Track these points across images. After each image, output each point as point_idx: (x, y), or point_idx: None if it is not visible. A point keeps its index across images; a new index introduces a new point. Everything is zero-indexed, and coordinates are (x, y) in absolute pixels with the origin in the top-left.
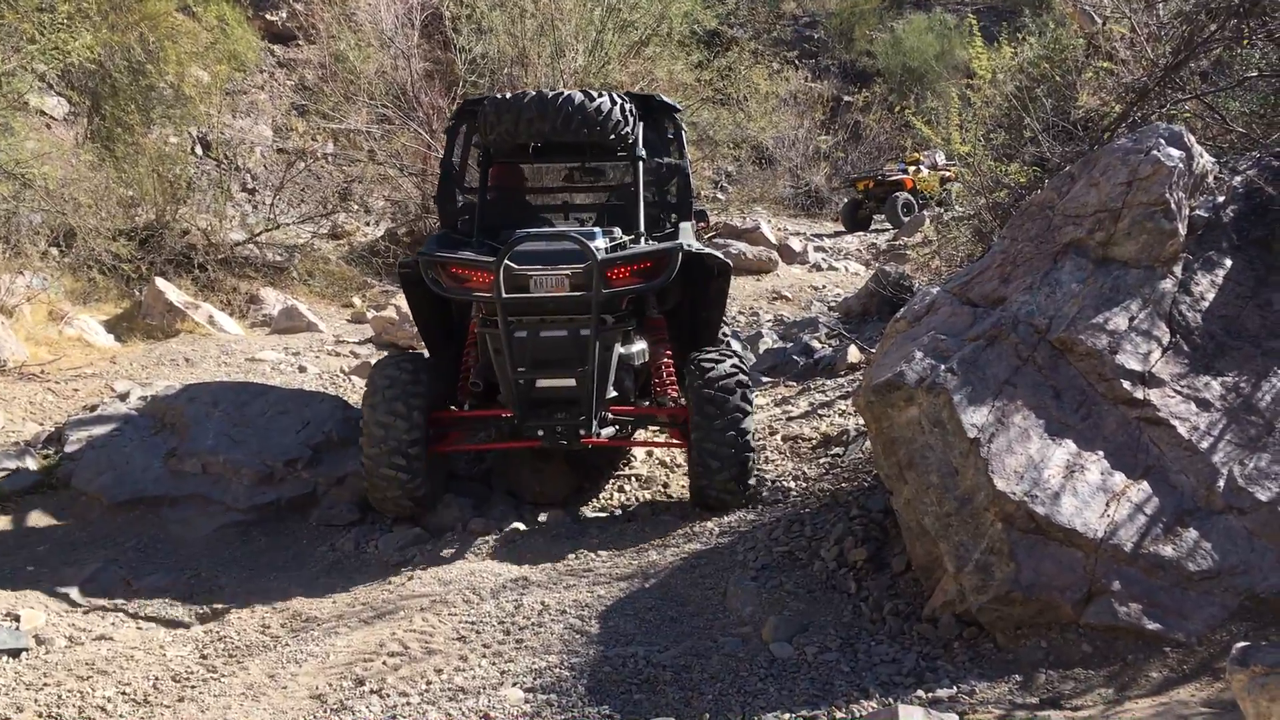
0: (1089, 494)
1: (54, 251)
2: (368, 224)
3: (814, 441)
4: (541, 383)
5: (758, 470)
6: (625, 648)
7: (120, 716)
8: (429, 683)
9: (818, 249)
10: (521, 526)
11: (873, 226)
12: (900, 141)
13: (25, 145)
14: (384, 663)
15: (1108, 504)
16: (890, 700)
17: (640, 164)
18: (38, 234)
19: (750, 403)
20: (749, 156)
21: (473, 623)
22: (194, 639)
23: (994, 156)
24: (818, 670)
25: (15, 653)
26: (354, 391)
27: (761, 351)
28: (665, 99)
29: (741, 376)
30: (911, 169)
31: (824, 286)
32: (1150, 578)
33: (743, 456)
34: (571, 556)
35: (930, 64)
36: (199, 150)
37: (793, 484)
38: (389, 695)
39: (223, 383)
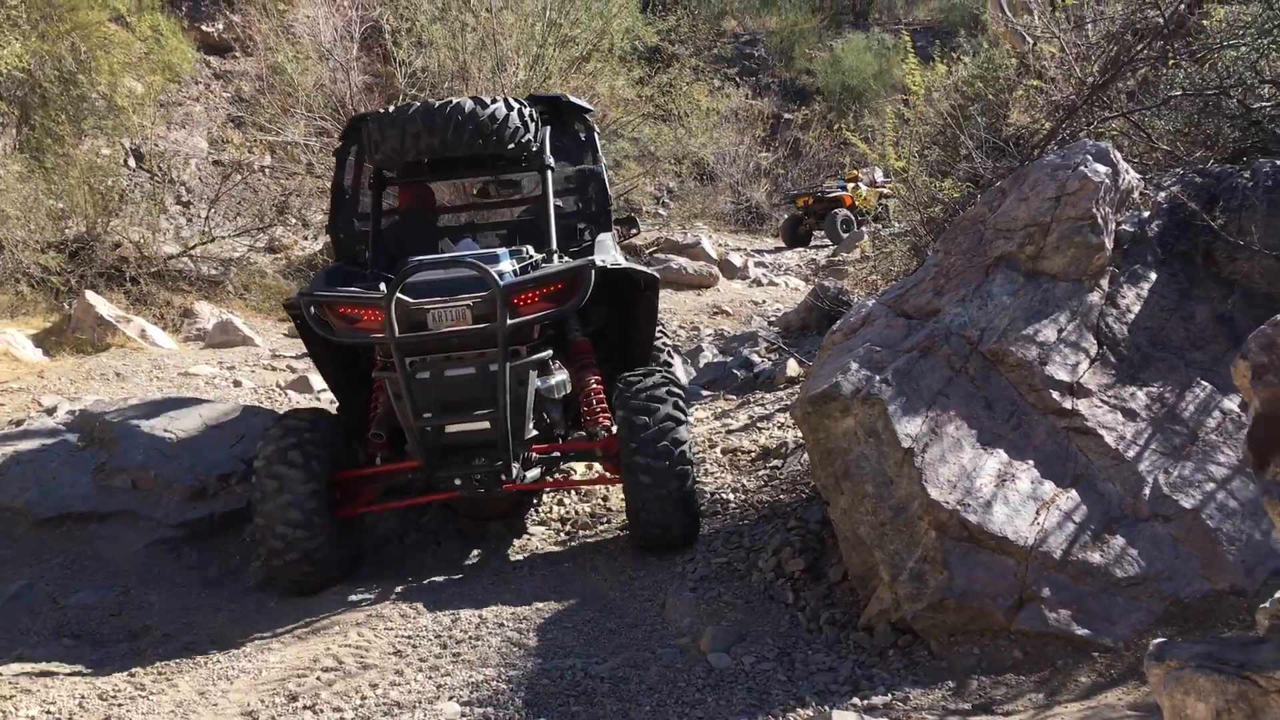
0: (1020, 502)
1: None
2: (305, 237)
3: (753, 454)
4: (451, 428)
5: (697, 483)
6: (563, 660)
7: None
8: (364, 698)
9: (758, 264)
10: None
11: (813, 242)
12: (839, 158)
13: None
14: (318, 678)
15: (1038, 512)
16: (825, 708)
17: (549, 173)
18: None
19: (685, 413)
20: (690, 172)
21: (409, 637)
22: (122, 656)
23: (929, 173)
24: (755, 679)
25: None
26: (288, 406)
27: (702, 365)
28: (574, 100)
29: (673, 388)
30: (850, 186)
31: (764, 301)
32: (1079, 584)
33: (680, 470)
34: (510, 570)
35: (868, 82)
36: (132, 162)
37: (731, 496)
38: (323, 711)
39: (154, 398)
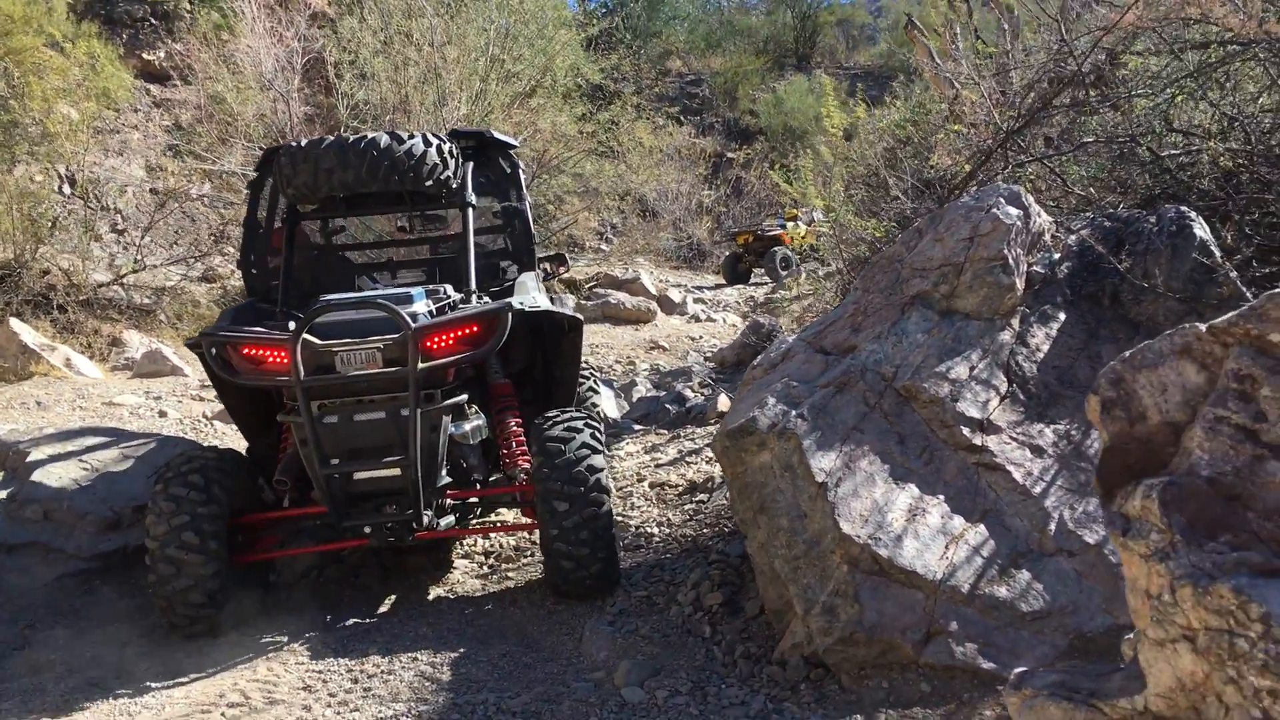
0: (929, 536)
1: None
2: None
3: (680, 488)
4: (360, 475)
5: (621, 516)
6: (476, 694)
7: None
8: None
9: (697, 300)
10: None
11: (753, 280)
12: (779, 198)
13: None
14: (222, 714)
15: (947, 546)
16: None
17: (469, 211)
18: None
19: (601, 444)
20: (634, 209)
21: (319, 672)
22: (19, 692)
23: (855, 212)
24: (667, 713)
25: None
26: (214, 437)
27: (635, 400)
28: (499, 135)
29: (590, 421)
30: (790, 224)
31: (701, 337)
32: (985, 618)
33: (595, 498)
34: (428, 605)
35: (810, 124)
36: (66, 189)
37: (656, 530)
38: None
39: (71, 427)
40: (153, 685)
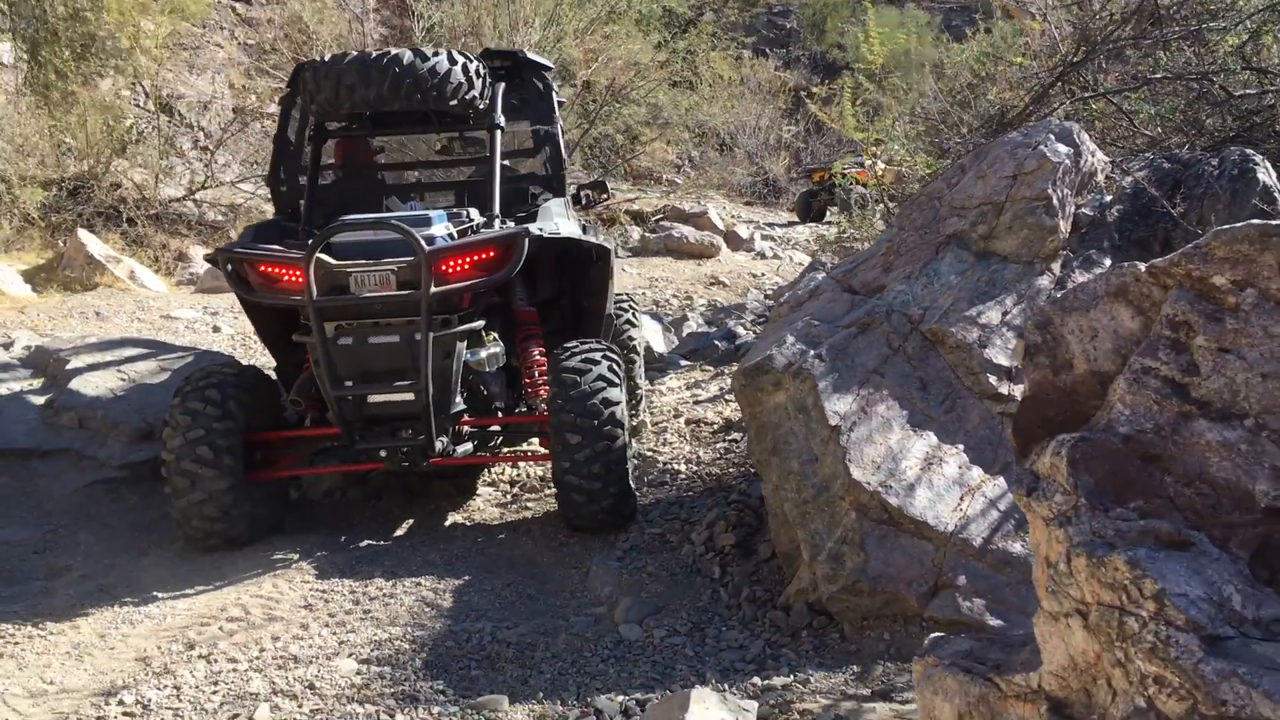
0: (944, 487)
1: None
2: None
3: (715, 426)
4: (374, 398)
5: (651, 451)
6: (473, 623)
7: None
8: (262, 650)
9: (765, 237)
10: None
11: (827, 218)
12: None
13: None
14: (220, 627)
15: (962, 498)
16: (725, 686)
17: (497, 133)
18: None
19: (618, 378)
20: (711, 142)
21: (323, 591)
22: (29, 595)
23: (924, 151)
24: (662, 653)
25: None
26: (261, 354)
27: (685, 335)
28: (533, 56)
29: (609, 353)
30: (868, 162)
31: (764, 274)
32: (997, 574)
33: (609, 431)
34: (443, 531)
35: (900, 59)
36: (151, 105)
37: (683, 467)
38: (216, 660)
39: (113, 337)
40: (159, 595)
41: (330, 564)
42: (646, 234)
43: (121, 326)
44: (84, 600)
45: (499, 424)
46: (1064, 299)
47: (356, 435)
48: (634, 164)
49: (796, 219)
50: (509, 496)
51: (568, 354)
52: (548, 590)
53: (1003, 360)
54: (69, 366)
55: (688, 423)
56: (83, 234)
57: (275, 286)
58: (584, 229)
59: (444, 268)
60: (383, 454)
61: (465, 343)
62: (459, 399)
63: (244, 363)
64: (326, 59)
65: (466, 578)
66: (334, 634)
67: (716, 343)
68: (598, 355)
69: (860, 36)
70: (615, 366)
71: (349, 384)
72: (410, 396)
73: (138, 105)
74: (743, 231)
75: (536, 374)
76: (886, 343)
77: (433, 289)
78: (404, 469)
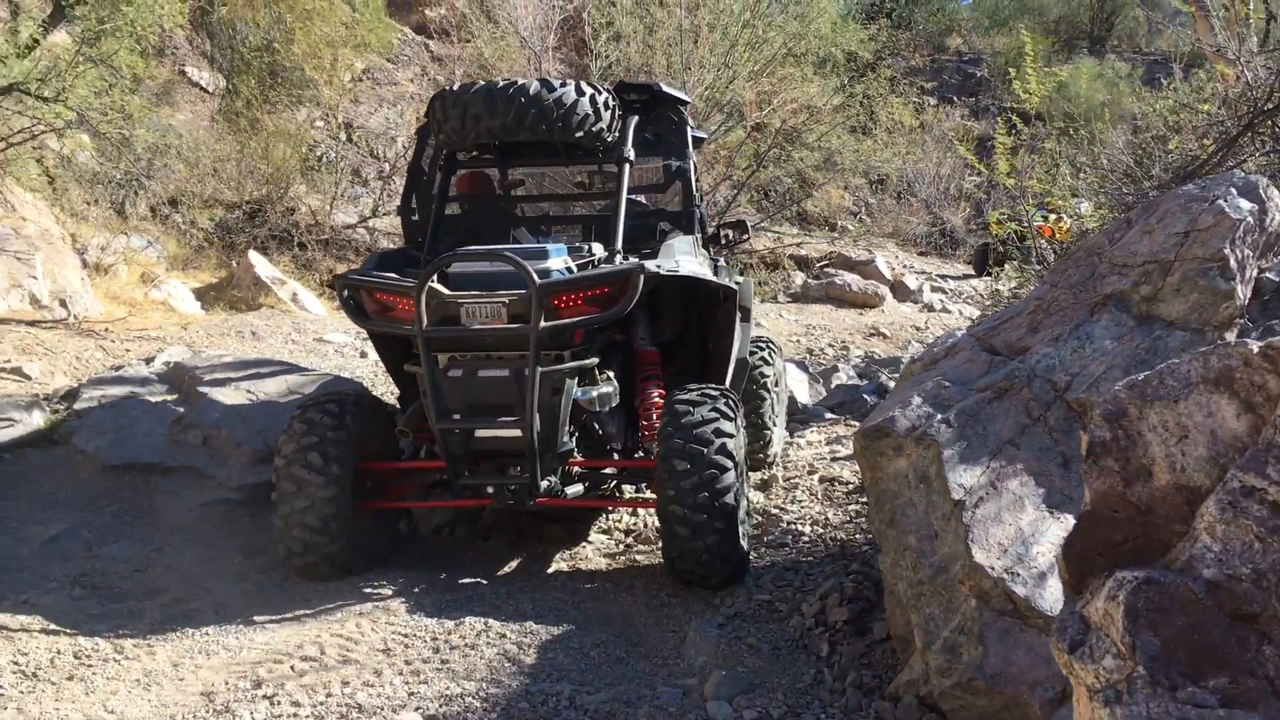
0: None
1: (167, 216)
2: None
3: (850, 486)
4: (480, 432)
5: (778, 509)
6: (553, 684)
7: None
8: (329, 694)
9: (935, 289)
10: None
11: (1004, 270)
12: (1048, 187)
13: (176, 116)
14: (292, 666)
15: None
16: None
17: (626, 167)
18: (138, 196)
19: (733, 457)
20: (890, 189)
21: (405, 635)
22: (119, 615)
23: (1109, 206)
24: None
25: None
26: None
27: (833, 386)
28: (669, 89)
29: (722, 425)
30: (1052, 216)
31: (928, 327)
32: None
33: (721, 525)
34: (544, 579)
35: (1097, 110)
36: (342, 135)
37: (808, 529)
38: (280, 702)
39: (247, 358)
40: (242, 625)
41: (419, 605)
42: (809, 280)
43: (275, 347)
44: (167, 625)
45: (612, 466)
46: (1146, 384)
47: (464, 470)
48: (805, 209)
49: (972, 271)
50: (620, 546)
51: (678, 425)
52: (638, 653)
53: None
54: (201, 385)
55: (821, 480)
56: (253, 255)
57: (389, 315)
58: (715, 269)
59: (556, 302)
60: (489, 490)
61: (576, 380)
62: (568, 438)
63: (379, 391)
64: (454, 89)
65: (555, 632)
66: (406, 684)
67: (865, 396)
68: (714, 392)
69: (1012, 73)
70: (732, 404)
71: (456, 417)
72: (517, 433)
73: (333, 137)
74: (911, 282)
75: (654, 416)
76: (1026, 411)
77: (543, 324)
78: (511, 507)
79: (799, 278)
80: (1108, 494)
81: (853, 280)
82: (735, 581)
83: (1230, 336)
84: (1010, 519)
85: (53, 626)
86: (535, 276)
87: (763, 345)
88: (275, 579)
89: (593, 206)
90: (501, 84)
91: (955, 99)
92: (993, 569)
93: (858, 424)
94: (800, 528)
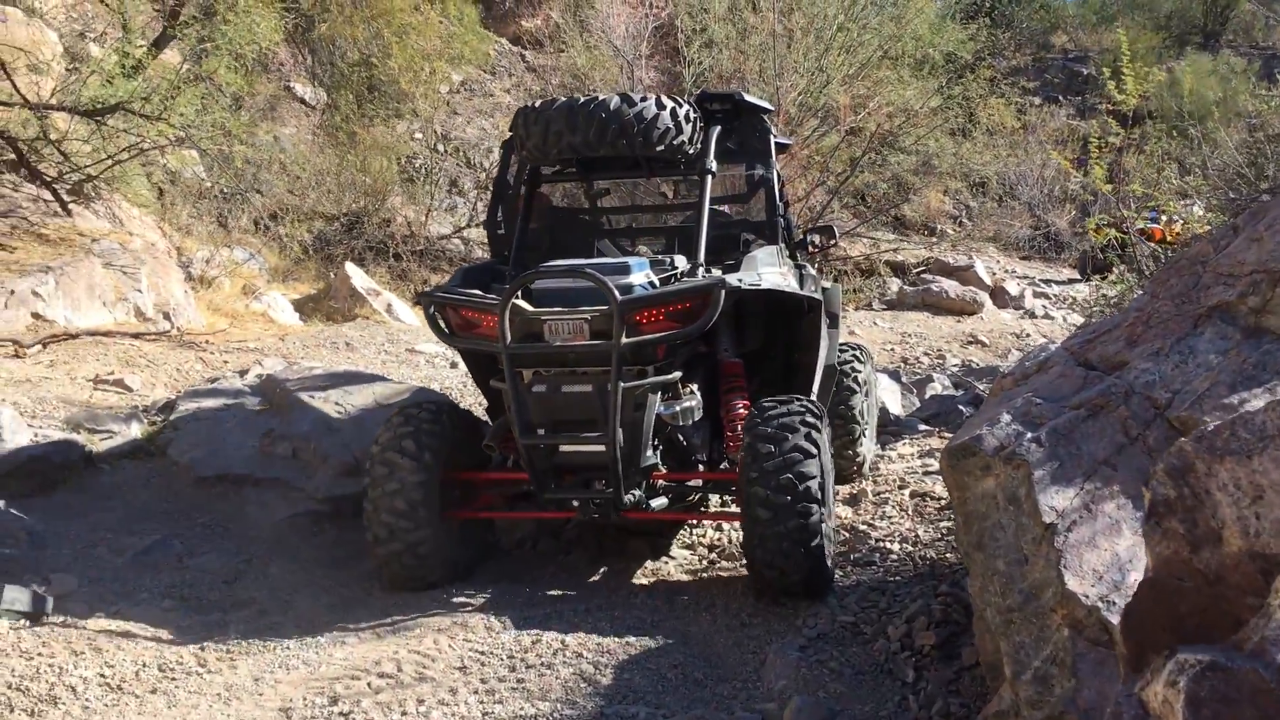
0: None
1: (268, 229)
2: None
3: (942, 502)
4: (564, 447)
5: (866, 525)
6: (628, 706)
7: (84, 700)
8: (404, 713)
9: (1038, 295)
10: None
11: (1113, 276)
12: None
13: (282, 130)
14: (369, 683)
15: None
16: None
17: (708, 179)
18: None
19: (818, 447)
20: (993, 192)
21: (481, 653)
22: (205, 627)
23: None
24: None
25: (34, 616)
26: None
27: (927, 397)
28: (751, 99)
29: (809, 417)
30: (1163, 219)
31: (1029, 335)
32: None
33: (802, 506)
34: (624, 595)
35: (1210, 108)
36: (441, 147)
37: (896, 546)
38: (355, 719)
39: (338, 371)
40: (322, 640)
41: (498, 621)
42: (905, 286)
43: (368, 358)
44: (252, 637)
45: (696, 478)
46: (1216, 436)
47: (549, 483)
48: (903, 213)
49: (1077, 276)
50: (704, 562)
51: (764, 418)
52: (717, 675)
53: None
54: (292, 397)
55: (912, 495)
56: (350, 267)
57: (474, 332)
58: (802, 276)
59: (638, 318)
60: (575, 504)
61: (660, 395)
62: (652, 452)
63: (467, 403)
64: (536, 105)
65: (634, 651)
66: (481, 703)
67: (961, 407)
68: (796, 421)
69: (1106, 73)
70: (815, 433)
71: (540, 432)
72: (600, 448)
73: (433, 148)
74: (1012, 288)
75: (738, 427)
76: (1123, 429)
77: (625, 339)
78: (595, 521)
79: (895, 284)
80: (1172, 559)
81: (950, 286)
82: (815, 588)
83: None
84: (1105, 544)
85: (141, 638)
86: (617, 293)
87: (853, 350)
88: (358, 593)
89: (678, 217)
90: (583, 100)
91: (1061, 98)
92: (1086, 597)
93: (951, 436)
94: (889, 545)
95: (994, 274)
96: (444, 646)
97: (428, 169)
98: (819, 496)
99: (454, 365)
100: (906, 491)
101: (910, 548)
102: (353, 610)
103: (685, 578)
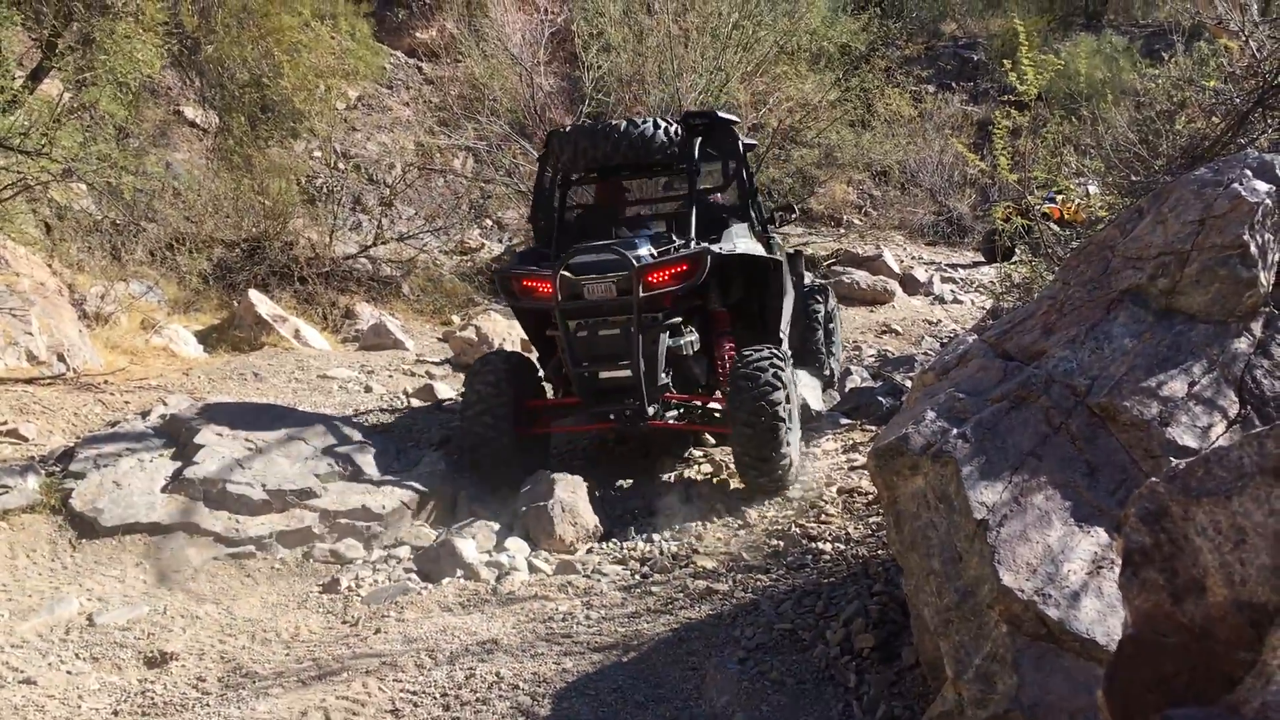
0: (1117, 596)
1: (165, 259)
2: (498, 240)
3: (870, 496)
4: (603, 374)
5: (798, 527)
6: None
7: None
8: None
9: (945, 280)
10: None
11: (1016, 258)
12: (1051, 175)
13: (174, 156)
14: None
15: None
16: None
17: (694, 176)
18: (135, 241)
19: (780, 380)
20: (895, 181)
21: (414, 693)
22: (121, 689)
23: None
24: None
25: None
26: (409, 412)
27: (847, 390)
28: (721, 114)
29: (775, 360)
30: (1060, 198)
31: (940, 321)
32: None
33: (772, 424)
34: (556, 617)
35: (1096, 88)
36: (340, 165)
37: (828, 546)
38: None
39: (244, 403)
40: (245, 693)
41: (429, 658)
42: (816, 280)
43: (278, 387)
44: (169, 698)
45: (697, 401)
46: (1190, 475)
47: (593, 401)
48: (809, 206)
49: (981, 259)
50: (636, 577)
51: (743, 361)
52: (656, 697)
53: (1189, 440)
54: (198, 437)
55: (840, 492)
56: (254, 294)
57: (533, 295)
58: (770, 246)
59: (649, 278)
60: (612, 416)
61: (668, 333)
62: (665, 377)
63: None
64: (567, 129)
65: (571, 679)
66: None
67: (880, 399)
68: (765, 363)
69: (1006, 65)
70: (779, 374)
71: (585, 364)
72: (628, 373)
73: (332, 167)
74: (920, 274)
75: (726, 361)
76: (1046, 419)
77: (641, 294)
78: (628, 430)
79: (807, 278)
80: (1153, 614)
81: (861, 277)
82: (781, 483)
83: (1256, 326)
84: (1037, 536)
85: (49, 706)
86: (634, 261)
87: (815, 291)
88: (284, 637)
89: (674, 205)
90: (601, 125)
91: (954, 85)
92: (1023, 591)
93: (874, 429)
94: (820, 546)
95: (902, 261)
96: (373, 690)
97: (329, 188)
98: (784, 416)
99: (368, 389)
100: (834, 489)
101: (842, 546)
102: (274, 657)
103: (619, 595)
